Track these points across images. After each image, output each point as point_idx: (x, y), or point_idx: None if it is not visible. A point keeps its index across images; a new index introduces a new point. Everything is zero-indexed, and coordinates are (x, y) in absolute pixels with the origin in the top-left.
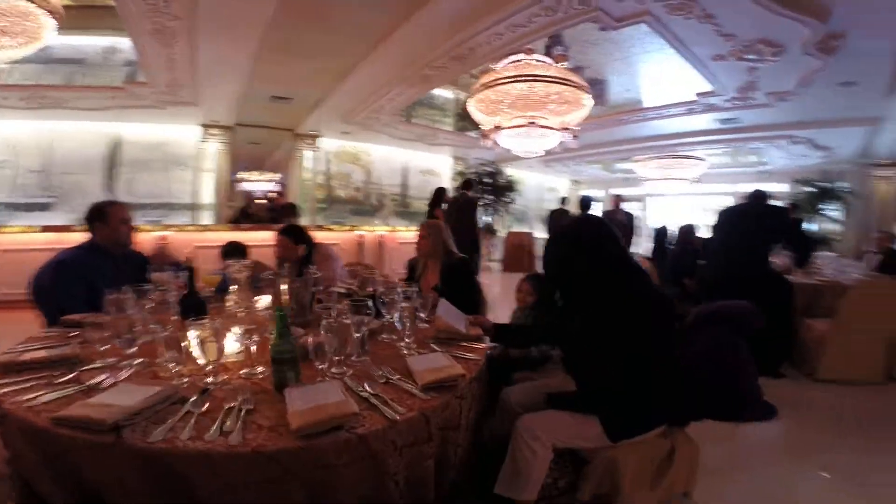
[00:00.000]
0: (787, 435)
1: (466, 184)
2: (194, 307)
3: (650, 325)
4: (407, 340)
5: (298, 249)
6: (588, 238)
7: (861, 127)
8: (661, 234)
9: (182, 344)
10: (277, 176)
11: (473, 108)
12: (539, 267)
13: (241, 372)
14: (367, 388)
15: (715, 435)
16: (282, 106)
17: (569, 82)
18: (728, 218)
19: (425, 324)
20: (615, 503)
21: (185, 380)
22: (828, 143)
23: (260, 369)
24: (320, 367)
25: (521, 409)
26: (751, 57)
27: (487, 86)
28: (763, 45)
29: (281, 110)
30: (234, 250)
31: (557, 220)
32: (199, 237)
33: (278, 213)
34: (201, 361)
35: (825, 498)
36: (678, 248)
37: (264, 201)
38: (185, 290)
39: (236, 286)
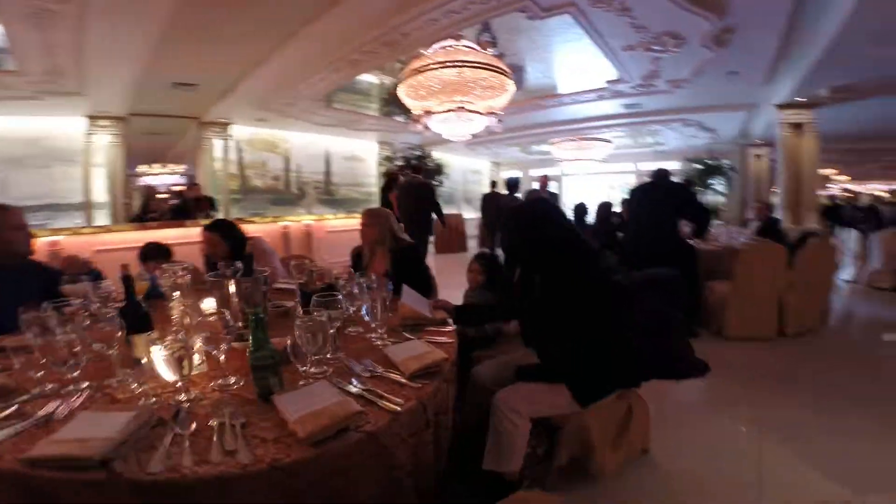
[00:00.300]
0: (709, 390)
1: (417, 168)
2: (139, 320)
3: (607, 296)
4: (380, 331)
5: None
6: (546, 216)
7: (741, 112)
8: (580, 210)
9: (142, 361)
10: (182, 167)
11: (403, 94)
12: (471, 247)
13: (211, 384)
14: (356, 384)
15: (652, 394)
16: (186, 93)
17: (495, 68)
18: (639, 195)
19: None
20: (589, 463)
21: (153, 400)
22: (714, 125)
23: (233, 379)
24: (301, 368)
25: (494, 386)
26: (656, 48)
27: (419, 71)
28: (668, 37)
29: (185, 98)
30: (155, 252)
31: (491, 201)
32: (97, 240)
33: (191, 207)
34: (168, 378)
35: (753, 446)
36: (597, 223)
37: (167, 195)
38: (123, 302)
39: (178, 292)
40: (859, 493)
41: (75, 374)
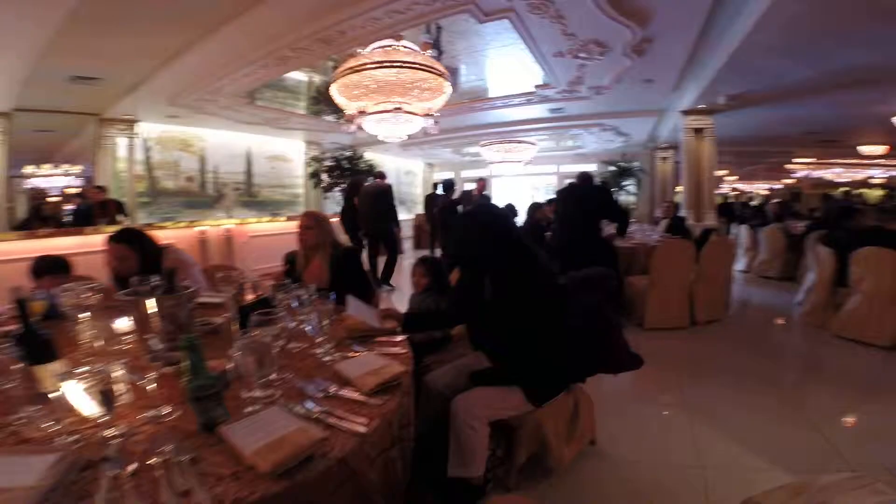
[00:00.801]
0: (638, 379)
1: (380, 174)
2: (40, 348)
3: (555, 298)
4: (327, 346)
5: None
6: (496, 221)
7: (651, 117)
8: (510, 211)
9: (50, 395)
10: (79, 168)
11: (336, 92)
12: (405, 248)
13: (141, 416)
14: (312, 406)
15: (589, 387)
16: (86, 87)
17: (434, 70)
18: (564, 197)
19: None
20: (547, 459)
21: (73, 438)
22: (628, 130)
23: (166, 409)
24: (246, 395)
25: (449, 392)
26: (583, 55)
27: (354, 70)
28: (594, 45)
29: (84, 92)
30: (50, 266)
31: (431, 204)
32: None
33: (94, 212)
34: (88, 412)
35: (686, 429)
36: (527, 223)
37: (59, 199)
38: (19, 328)
39: (88, 313)
40: (787, 468)
41: None
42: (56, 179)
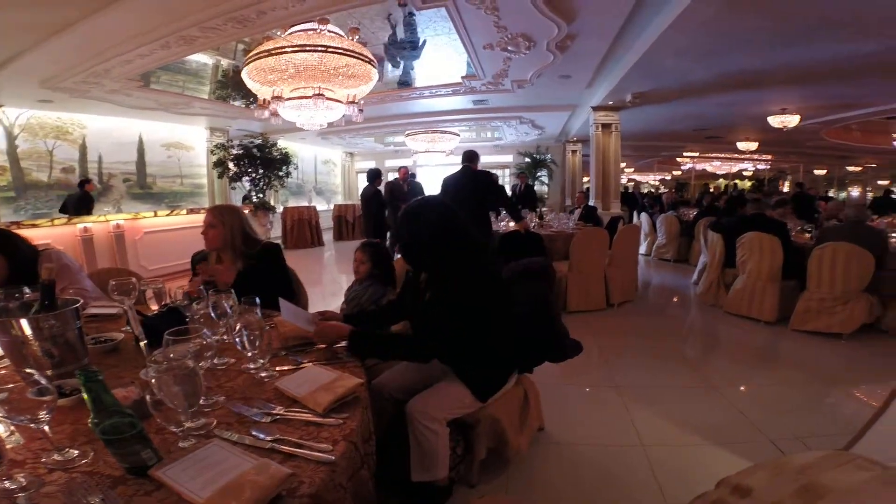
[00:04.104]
0: (568, 364)
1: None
2: None
3: (494, 291)
4: (261, 361)
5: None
6: (438, 213)
7: (565, 112)
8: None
9: None
10: None
11: (248, 77)
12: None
13: (43, 461)
14: (261, 434)
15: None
16: None
17: (361, 56)
18: (450, 187)
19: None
20: (505, 451)
21: None
22: (543, 123)
23: (74, 452)
24: (175, 428)
25: (401, 395)
26: (511, 48)
27: (271, 53)
28: (522, 39)
29: None
30: None
31: (371, 195)
32: None
33: None
34: None
35: (621, 409)
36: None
37: None
38: None
39: None
40: (716, 442)
41: None
42: None
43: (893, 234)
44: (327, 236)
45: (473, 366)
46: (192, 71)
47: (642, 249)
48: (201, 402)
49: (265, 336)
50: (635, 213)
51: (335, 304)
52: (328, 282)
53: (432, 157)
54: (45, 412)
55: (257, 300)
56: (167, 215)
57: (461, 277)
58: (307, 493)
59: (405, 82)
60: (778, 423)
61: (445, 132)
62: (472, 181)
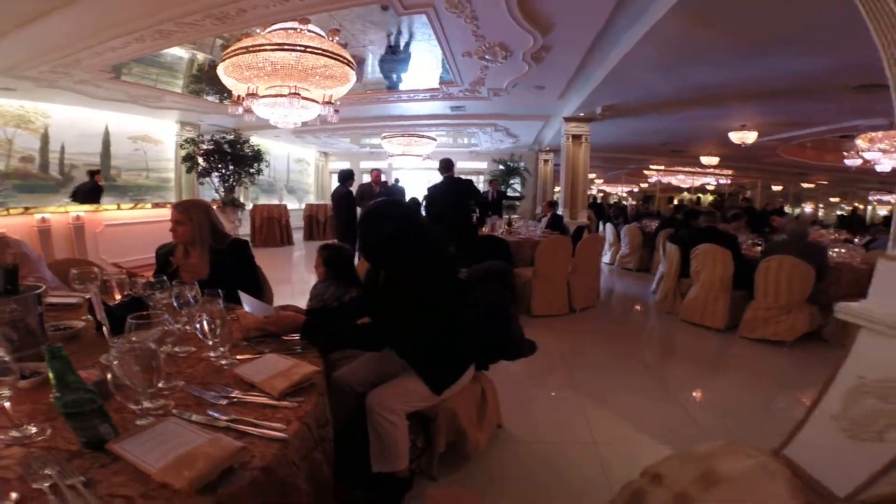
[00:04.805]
0: (529, 364)
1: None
2: None
3: (448, 285)
4: (221, 349)
5: None
6: (399, 214)
7: (538, 122)
8: (414, 204)
9: None
10: None
11: (224, 73)
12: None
13: (1, 437)
14: (217, 414)
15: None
16: None
17: (340, 58)
18: (437, 195)
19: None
20: (464, 445)
21: None
22: (517, 132)
23: (33, 429)
24: (134, 407)
25: (361, 388)
26: (488, 57)
27: (248, 50)
28: (500, 48)
29: None
30: None
31: (342, 195)
32: None
33: None
34: None
35: (577, 408)
36: (427, 215)
37: None
38: None
39: None
40: (665, 441)
41: None
42: None
43: (836, 249)
44: (297, 235)
45: (427, 358)
46: (166, 64)
47: (606, 259)
48: (161, 385)
49: (226, 326)
50: (602, 223)
51: (302, 302)
52: (296, 280)
53: (408, 160)
54: (6, 390)
55: (220, 292)
56: (130, 208)
57: (416, 273)
58: (258, 465)
59: (392, 88)
60: (724, 425)
61: (423, 136)
62: (456, 188)
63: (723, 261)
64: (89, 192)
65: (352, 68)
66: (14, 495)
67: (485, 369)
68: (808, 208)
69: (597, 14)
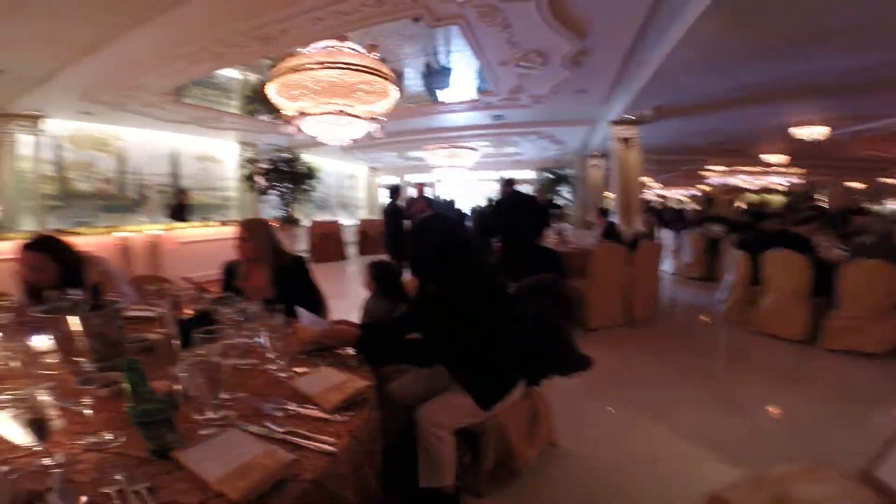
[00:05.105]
0: (586, 379)
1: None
2: None
3: (496, 304)
4: (280, 362)
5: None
6: (443, 228)
7: (584, 126)
8: (451, 208)
9: None
10: None
11: (274, 92)
12: (350, 254)
13: (80, 443)
14: (273, 426)
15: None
16: None
17: (379, 73)
18: (507, 209)
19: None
20: (512, 462)
21: (5, 469)
22: (563, 138)
23: (108, 435)
24: (198, 417)
25: (413, 402)
26: (525, 64)
27: (295, 69)
28: (536, 55)
29: None
30: None
31: (391, 210)
32: None
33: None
34: (18, 441)
35: (638, 425)
36: (475, 228)
37: None
38: None
39: None
40: (734, 460)
41: None
42: None
43: None
44: (351, 250)
45: (474, 374)
46: (221, 85)
47: (668, 267)
48: (224, 396)
49: (286, 340)
50: (661, 230)
51: (356, 317)
52: (351, 295)
53: (454, 171)
54: (88, 398)
55: (280, 307)
56: (200, 227)
57: (462, 286)
58: (309, 478)
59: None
60: (802, 444)
61: (464, 147)
62: (528, 205)
63: (798, 266)
64: (178, 210)
65: (392, 83)
66: (84, 498)
67: (537, 385)
68: (892, 205)
69: (631, 16)
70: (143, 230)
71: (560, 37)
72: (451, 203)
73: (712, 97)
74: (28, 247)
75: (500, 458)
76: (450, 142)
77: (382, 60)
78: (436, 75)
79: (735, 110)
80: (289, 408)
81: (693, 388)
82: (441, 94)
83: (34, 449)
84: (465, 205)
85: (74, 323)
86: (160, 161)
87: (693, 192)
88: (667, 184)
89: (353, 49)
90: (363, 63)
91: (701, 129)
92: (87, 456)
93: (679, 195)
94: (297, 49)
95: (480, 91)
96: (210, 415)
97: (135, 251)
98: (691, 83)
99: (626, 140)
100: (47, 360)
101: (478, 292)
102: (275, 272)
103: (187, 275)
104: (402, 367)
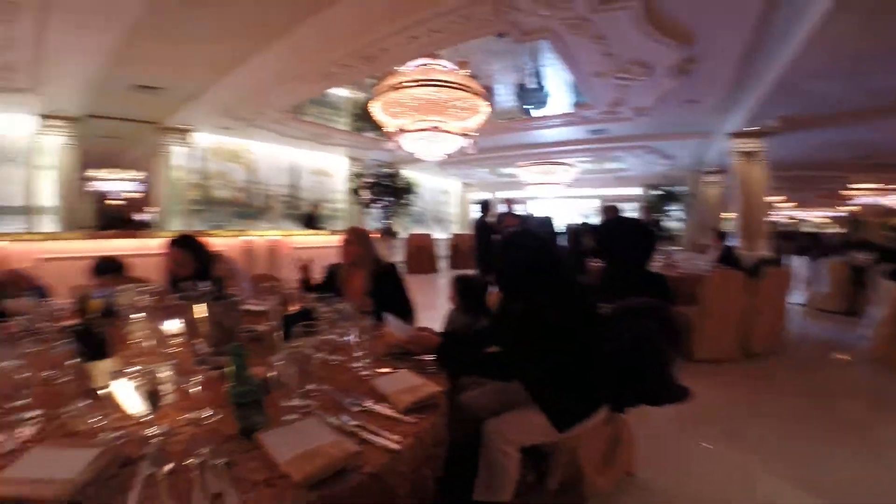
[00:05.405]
0: (684, 411)
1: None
2: (96, 346)
3: (583, 318)
4: (365, 361)
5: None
6: (534, 244)
7: (697, 139)
8: (545, 224)
9: (100, 390)
10: (140, 174)
11: (377, 110)
12: (442, 267)
13: (182, 418)
14: (347, 419)
15: (631, 417)
16: (148, 96)
17: (471, 89)
18: (617, 234)
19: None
20: (580, 488)
21: (115, 434)
22: (673, 152)
23: (207, 412)
24: (285, 403)
25: (483, 414)
26: (624, 76)
27: (394, 87)
28: (636, 65)
29: (146, 101)
30: (107, 267)
31: (481, 225)
32: (42, 248)
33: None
34: (133, 410)
35: (733, 464)
36: (569, 247)
37: (121, 202)
38: (75, 322)
39: (142, 314)
40: None
41: (25, 401)
42: (117, 184)
43: None
44: (443, 264)
45: (554, 393)
46: (333, 104)
47: (797, 297)
48: (311, 386)
49: (372, 341)
50: (792, 256)
51: (441, 327)
52: (439, 307)
53: (548, 188)
54: (199, 377)
55: (371, 310)
56: (311, 234)
57: (555, 303)
58: (368, 472)
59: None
60: None
61: (559, 163)
62: (632, 229)
63: None
64: (309, 219)
65: (483, 99)
66: (169, 467)
67: (622, 411)
68: None
69: (740, 21)
70: (265, 235)
71: (662, 46)
72: (548, 220)
73: (850, 105)
74: (174, 243)
75: (567, 482)
76: (543, 158)
77: (473, 77)
78: (530, 93)
79: (881, 120)
80: (365, 404)
81: (821, 431)
82: (535, 112)
83: (144, 418)
84: (560, 222)
85: (200, 310)
86: (282, 173)
87: (835, 213)
88: (802, 204)
89: (445, 66)
90: (455, 80)
91: (841, 141)
92: (185, 429)
93: (817, 216)
94: (396, 68)
95: (576, 104)
96: (296, 402)
97: (256, 253)
98: (822, 91)
99: (748, 154)
100: (175, 342)
101: (571, 310)
102: (371, 278)
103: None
104: (479, 379)
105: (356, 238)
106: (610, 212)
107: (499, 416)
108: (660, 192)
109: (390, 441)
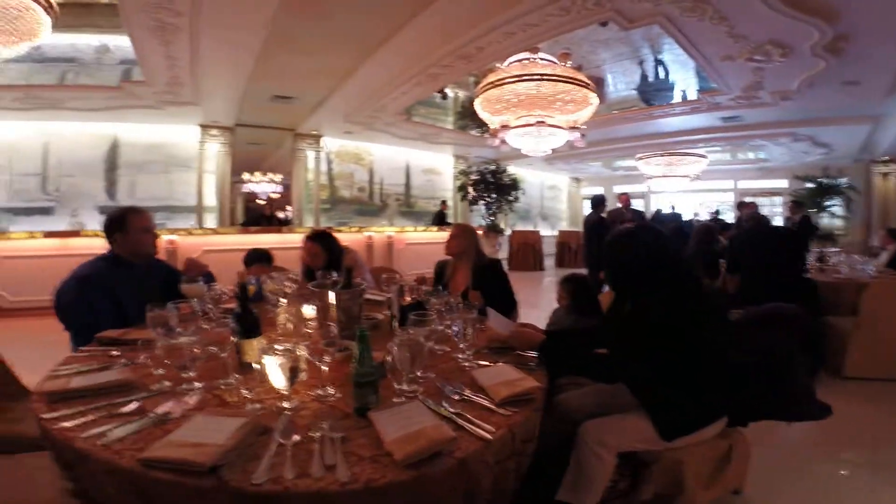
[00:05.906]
0: (820, 431)
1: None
2: (250, 326)
3: (704, 320)
4: (467, 353)
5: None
6: (651, 240)
7: (862, 125)
8: (676, 219)
9: (252, 366)
10: (280, 177)
11: (480, 107)
12: (547, 265)
13: (311, 394)
14: (447, 406)
15: (755, 432)
16: (283, 105)
17: (575, 81)
18: (759, 240)
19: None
20: (677, 502)
21: (258, 405)
22: (828, 140)
23: (331, 390)
24: (397, 387)
25: (580, 416)
26: (759, 58)
27: (494, 84)
28: (772, 46)
29: (282, 110)
30: (258, 258)
31: (594, 222)
32: (206, 241)
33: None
34: (276, 385)
35: (866, 494)
36: (696, 247)
37: (265, 202)
38: (235, 305)
39: (285, 300)
40: None
41: (191, 373)
42: (263, 185)
43: None
44: (549, 262)
45: (664, 398)
46: (439, 104)
47: None
48: (418, 373)
49: (476, 334)
50: None
51: (543, 325)
52: (543, 305)
53: (672, 181)
54: (328, 357)
55: (475, 304)
56: (422, 231)
57: (668, 302)
58: (458, 457)
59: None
60: None
61: (687, 153)
62: (774, 233)
63: None
64: (438, 217)
65: (590, 90)
66: (296, 437)
67: (742, 425)
68: None
69: None
70: (383, 231)
71: (801, 23)
72: (678, 216)
73: None
74: (310, 238)
75: (663, 494)
76: (667, 148)
77: (578, 68)
78: (650, 81)
79: None
80: (465, 393)
81: None
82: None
83: (282, 392)
84: (687, 218)
85: (331, 297)
86: (398, 173)
87: None
88: None
89: (547, 60)
90: (557, 73)
91: None
92: (312, 405)
93: None
94: (496, 64)
95: (702, 90)
96: (405, 387)
97: (375, 247)
98: None
99: None
100: (310, 324)
101: (680, 309)
102: (475, 272)
103: (413, 270)
104: (579, 379)
105: (461, 233)
106: (750, 221)
107: (597, 418)
108: (813, 185)
109: (483, 430)
